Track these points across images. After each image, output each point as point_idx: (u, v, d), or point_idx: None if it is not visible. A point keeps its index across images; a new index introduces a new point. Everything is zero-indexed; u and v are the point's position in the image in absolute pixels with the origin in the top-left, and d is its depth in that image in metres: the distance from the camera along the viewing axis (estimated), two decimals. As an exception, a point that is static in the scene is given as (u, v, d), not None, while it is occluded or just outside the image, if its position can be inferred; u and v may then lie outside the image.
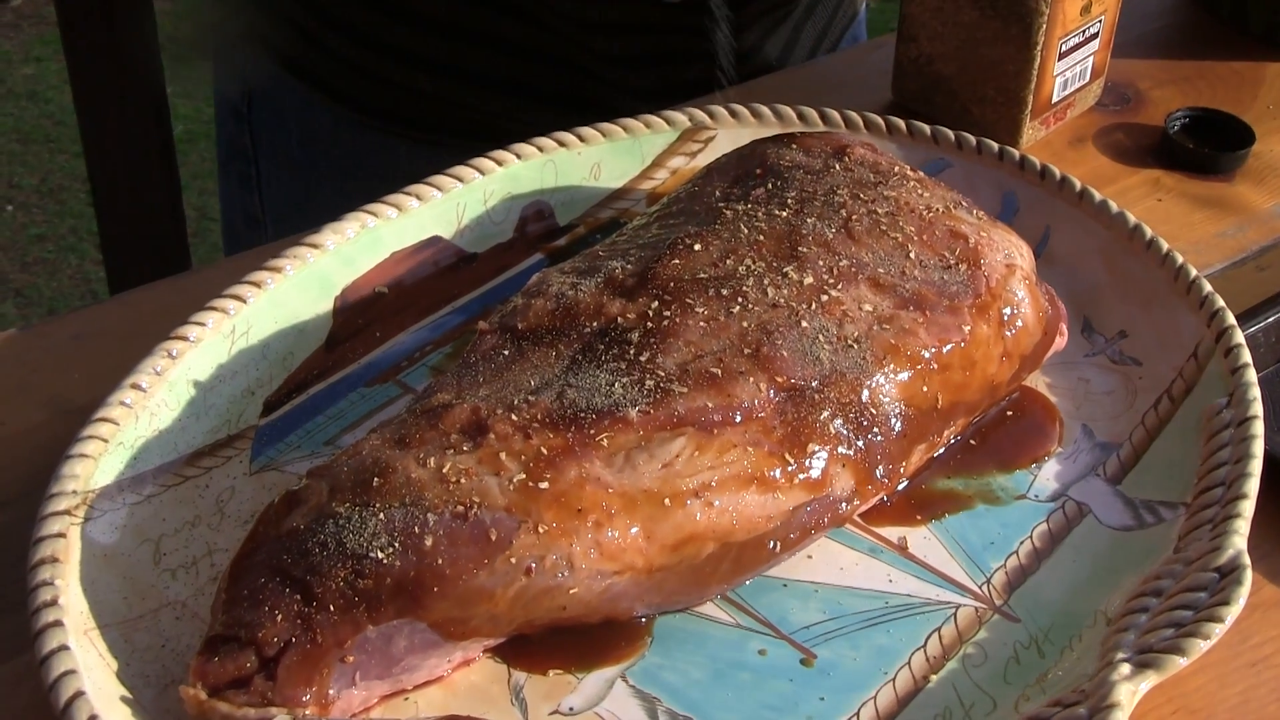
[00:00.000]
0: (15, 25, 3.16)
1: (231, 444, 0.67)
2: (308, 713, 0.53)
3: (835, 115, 0.82)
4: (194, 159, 2.68)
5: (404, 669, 0.56)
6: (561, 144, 0.80)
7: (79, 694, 0.53)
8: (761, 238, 0.67)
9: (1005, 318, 0.67)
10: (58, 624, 0.55)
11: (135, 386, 0.64)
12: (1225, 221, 0.86)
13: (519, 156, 0.79)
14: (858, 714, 0.58)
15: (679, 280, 0.64)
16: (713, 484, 0.59)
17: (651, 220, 0.71)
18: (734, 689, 0.58)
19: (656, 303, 0.63)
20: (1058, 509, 0.66)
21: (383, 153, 1.04)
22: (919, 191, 0.70)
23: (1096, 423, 0.70)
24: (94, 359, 0.73)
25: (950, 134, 0.81)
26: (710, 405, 0.60)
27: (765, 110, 0.83)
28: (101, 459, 0.62)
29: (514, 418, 0.58)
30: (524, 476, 0.56)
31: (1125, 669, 0.54)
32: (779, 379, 0.61)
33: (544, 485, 0.56)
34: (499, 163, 0.78)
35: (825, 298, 0.64)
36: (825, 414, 0.61)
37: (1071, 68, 0.90)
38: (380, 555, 0.54)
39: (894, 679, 0.59)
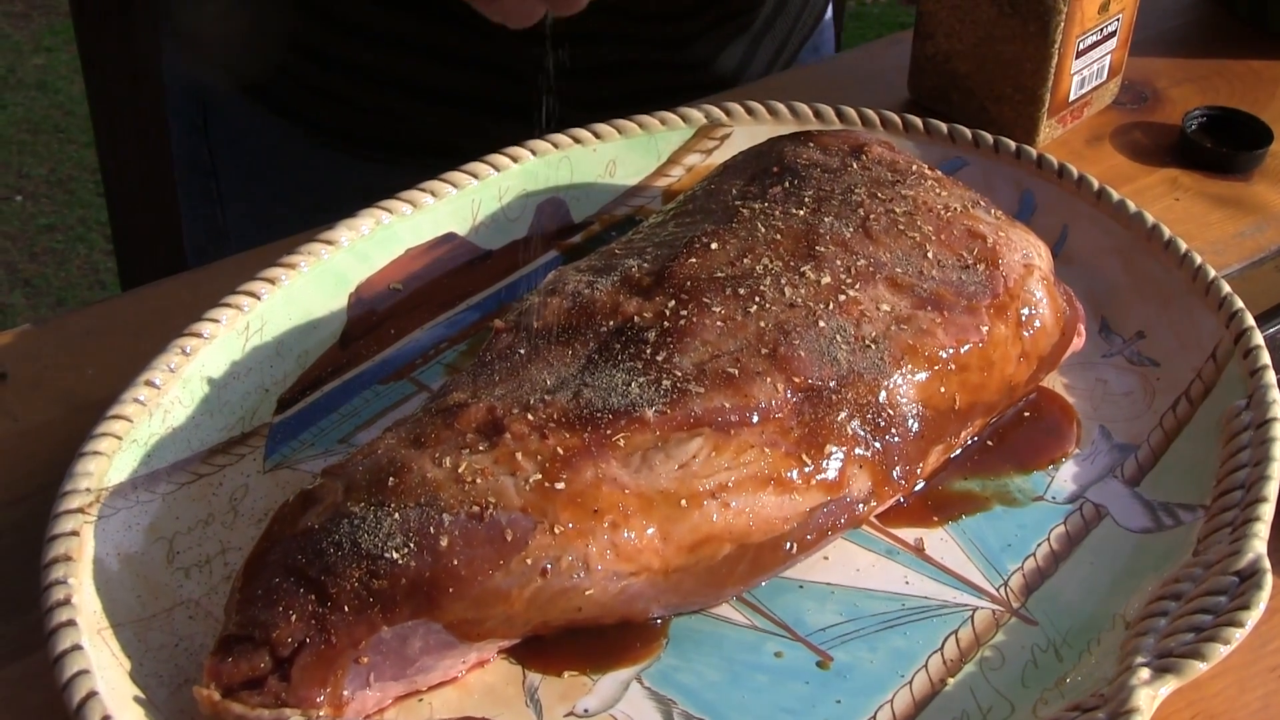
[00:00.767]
0: (26, 15, 3.16)
1: (245, 441, 0.66)
2: (322, 714, 0.53)
3: (852, 113, 0.82)
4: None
5: (419, 670, 0.56)
6: (577, 140, 0.80)
7: (92, 694, 0.52)
8: (779, 237, 0.66)
9: (1023, 318, 0.66)
10: (71, 623, 0.54)
11: (149, 383, 0.64)
12: (1243, 221, 0.85)
13: (534, 153, 0.78)
14: (874, 717, 0.57)
15: (696, 279, 0.64)
16: (729, 485, 0.58)
17: (668, 218, 0.71)
18: (750, 691, 0.58)
19: (673, 302, 0.63)
20: (1075, 511, 0.65)
21: (338, 171, 1.02)
22: (937, 190, 0.70)
23: (1114, 424, 0.69)
24: (108, 355, 0.73)
25: (967, 132, 0.81)
26: (727, 406, 0.59)
27: (782, 108, 0.82)
28: (115, 456, 0.62)
29: (530, 417, 0.58)
30: (540, 477, 0.56)
31: (1145, 673, 0.54)
32: (796, 379, 0.61)
33: (560, 486, 0.56)
34: (514, 159, 0.78)
35: (843, 297, 0.64)
36: (842, 415, 0.61)
37: (1089, 66, 0.90)
38: (395, 555, 0.54)
39: (911, 682, 0.59)
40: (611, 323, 0.63)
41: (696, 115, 0.82)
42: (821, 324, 0.63)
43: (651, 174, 0.81)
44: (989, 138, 0.80)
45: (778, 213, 0.68)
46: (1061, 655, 0.59)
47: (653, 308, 0.63)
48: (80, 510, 0.59)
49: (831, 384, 0.61)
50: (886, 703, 0.58)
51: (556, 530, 0.55)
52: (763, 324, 0.62)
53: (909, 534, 0.64)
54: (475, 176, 0.77)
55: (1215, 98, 0.96)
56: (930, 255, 0.67)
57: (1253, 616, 0.55)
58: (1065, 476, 0.67)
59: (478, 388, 0.60)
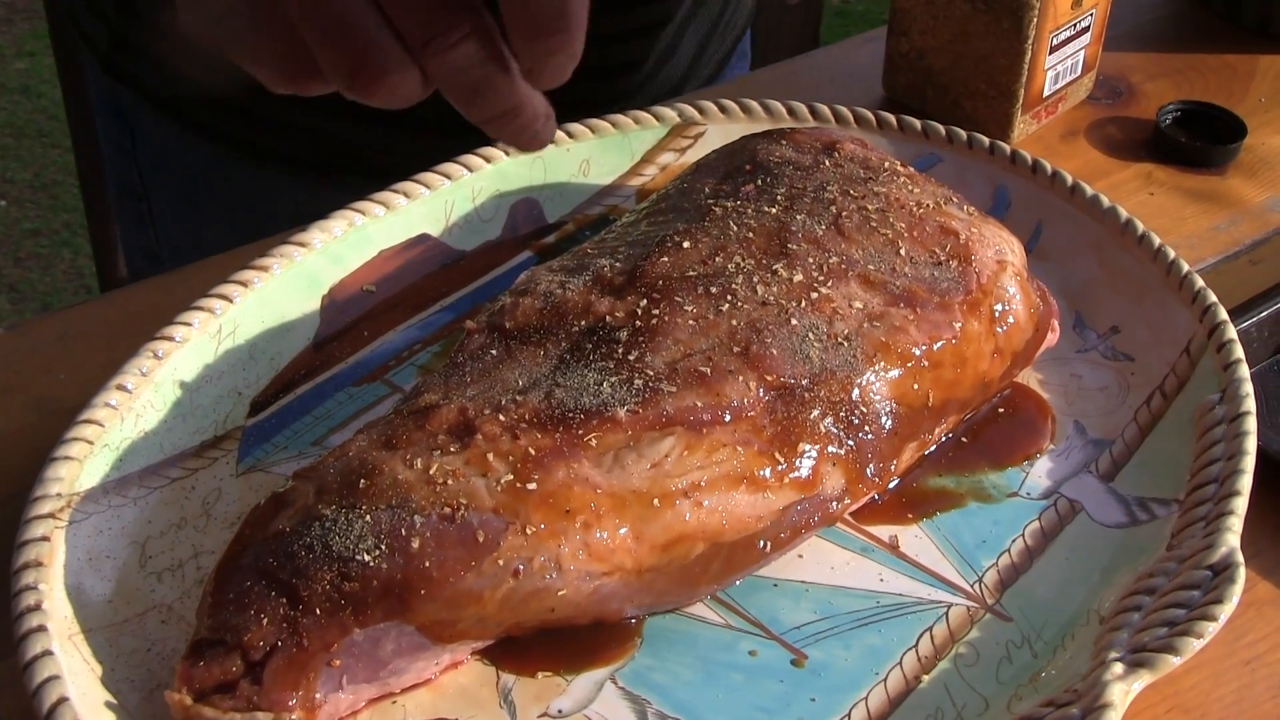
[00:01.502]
0: (8, 20, 3.16)
1: (218, 445, 0.66)
2: (294, 717, 0.53)
3: (825, 110, 0.82)
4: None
5: (391, 672, 0.56)
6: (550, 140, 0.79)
7: (63, 699, 0.52)
8: (751, 235, 0.66)
9: (997, 314, 0.66)
10: (41, 629, 0.54)
11: (121, 388, 0.64)
12: (1218, 215, 0.85)
13: (507, 153, 0.78)
14: (849, 714, 0.57)
15: (668, 278, 0.64)
16: (702, 484, 0.58)
17: (640, 217, 0.71)
18: (725, 690, 0.58)
19: (645, 301, 0.63)
20: (1050, 506, 0.65)
21: (266, 189, 0.99)
22: (909, 187, 0.70)
23: (1089, 419, 0.70)
24: (79, 359, 0.73)
25: (941, 128, 0.81)
26: (699, 404, 0.59)
27: (755, 105, 0.82)
28: (87, 461, 0.61)
29: (502, 418, 0.58)
30: (512, 477, 0.56)
31: (1118, 668, 0.54)
32: (769, 377, 0.61)
33: (532, 486, 0.56)
34: (487, 159, 0.78)
35: (815, 295, 0.64)
36: (815, 412, 0.61)
37: (1063, 61, 0.90)
38: (367, 558, 0.54)
39: (885, 679, 0.58)
40: (583, 322, 0.63)
41: (670, 114, 0.82)
42: (794, 322, 0.63)
43: (625, 173, 0.81)
44: (963, 134, 0.80)
45: (750, 211, 0.68)
46: (1036, 651, 0.59)
47: (625, 307, 0.63)
48: (51, 515, 0.59)
49: (804, 382, 0.61)
50: (861, 700, 0.58)
51: (529, 531, 0.55)
52: (735, 322, 0.62)
53: (883, 531, 0.64)
54: (448, 177, 0.76)
55: (1189, 92, 0.96)
56: (903, 252, 0.66)
57: (1226, 610, 0.55)
58: (1040, 472, 0.67)
59: (449, 389, 0.60)
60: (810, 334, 0.63)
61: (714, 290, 0.63)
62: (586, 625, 0.59)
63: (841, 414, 0.61)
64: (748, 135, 0.75)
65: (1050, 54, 0.88)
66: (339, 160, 0.97)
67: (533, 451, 0.57)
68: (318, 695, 0.54)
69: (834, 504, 0.62)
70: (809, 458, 0.60)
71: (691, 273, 0.64)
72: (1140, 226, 0.74)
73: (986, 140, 0.80)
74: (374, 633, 0.54)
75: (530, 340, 0.62)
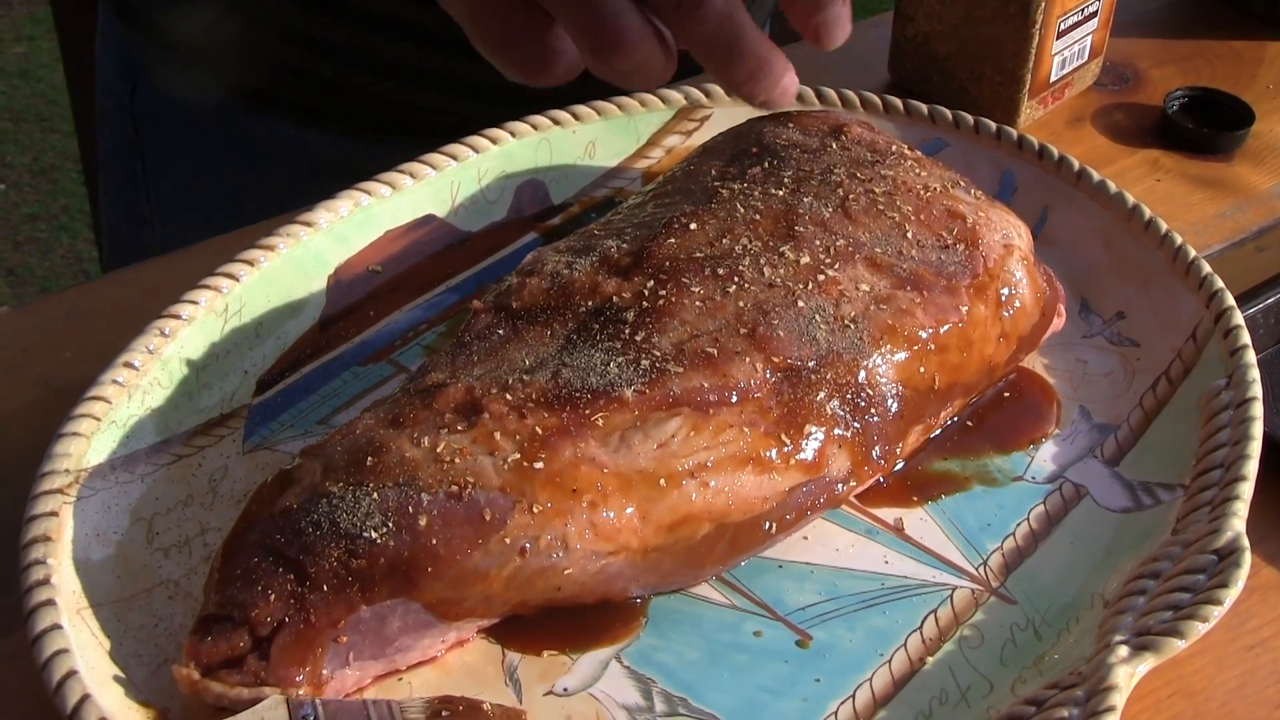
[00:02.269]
0: (6, 3, 3.15)
1: (224, 423, 0.66)
2: (301, 693, 0.53)
3: (832, 94, 0.82)
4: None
5: (398, 649, 0.56)
6: (556, 122, 0.79)
7: (71, 673, 0.52)
8: (758, 217, 0.66)
9: (1003, 298, 0.66)
10: (50, 603, 0.54)
11: (128, 365, 0.64)
12: (1224, 202, 0.85)
13: (514, 135, 0.78)
14: (853, 696, 0.57)
15: (674, 259, 0.64)
16: (708, 464, 0.58)
17: (647, 199, 0.71)
18: (729, 670, 0.58)
19: (652, 282, 0.63)
20: (1055, 491, 0.65)
21: (285, 139, 0.98)
22: (916, 171, 0.70)
23: (1094, 404, 0.70)
24: (86, 338, 0.73)
25: (948, 113, 0.81)
26: (706, 385, 0.59)
27: (762, 89, 0.82)
28: (94, 438, 0.61)
29: (508, 397, 0.58)
30: (519, 456, 0.56)
31: (1123, 651, 0.54)
32: (775, 359, 0.61)
33: (539, 465, 0.56)
34: (494, 141, 0.78)
35: (822, 277, 0.64)
36: (822, 395, 0.61)
37: (1070, 46, 0.90)
38: (374, 535, 0.54)
39: (890, 661, 0.59)
40: (590, 303, 0.63)
41: (676, 97, 0.82)
42: (800, 304, 0.63)
43: (631, 155, 0.81)
44: (969, 119, 0.80)
45: (757, 193, 0.68)
46: (1040, 634, 0.59)
47: (631, 288, 0.63)
48: (59, 491, 0.59)
49: (810, 364, 0.61)
50: (865, 681, 0.58)
51: (535, 510, 0.55)
52: (741, 304, 0.62)
53: (888, 514, 0.64)
54: (454, 158, 0.76)
55: (1197, 78, 0.96)
56: (910, 235, 0.66)
57: (1231, 594, 0.55)
58: (1045, 456, 0.67)
59: (456, 368, 0.60)
60: (817, 316, 0.63)
61: (721, 272, 0.63)
62: (592, 604, 0.59)
63: (848, 396, 0.62)
64: (754, 118, 0.75)
65: (1057, 39, 0.88)
66: (379, 119, 0.97)
67: (539, 431, 0.57)
68: (324, 671, 0.54)
69: (839, 486, 0.62)
70: (815, 440, 0.60)
71: (698, 254, 0.64)
72: (1147, 212, 0.74)
73: (993, 125, 0.80)
74: (380, 610, 0.54)
75: (537, 320, 0.62)
